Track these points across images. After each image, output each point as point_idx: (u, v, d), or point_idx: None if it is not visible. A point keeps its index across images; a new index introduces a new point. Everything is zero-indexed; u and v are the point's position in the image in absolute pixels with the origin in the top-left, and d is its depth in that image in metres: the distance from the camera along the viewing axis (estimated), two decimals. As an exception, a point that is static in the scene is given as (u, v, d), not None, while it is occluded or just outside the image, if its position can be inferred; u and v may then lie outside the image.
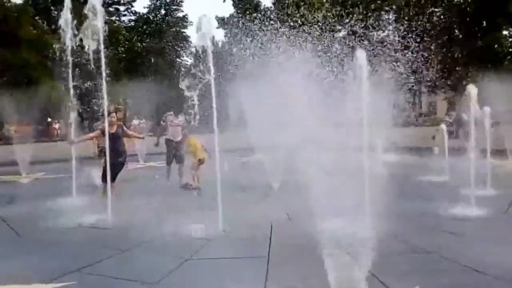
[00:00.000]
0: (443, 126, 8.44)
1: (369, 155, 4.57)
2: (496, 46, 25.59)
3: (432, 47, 31.89)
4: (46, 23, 38.11)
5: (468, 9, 31.90)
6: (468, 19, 31.78)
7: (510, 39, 29.50)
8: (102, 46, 5.65)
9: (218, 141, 5.06)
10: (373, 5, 32.91)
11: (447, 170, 7.69)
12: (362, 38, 33.05)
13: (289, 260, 3.85)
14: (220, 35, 41.36)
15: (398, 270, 3.57)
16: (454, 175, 6.94)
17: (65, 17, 6.63)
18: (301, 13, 31.90)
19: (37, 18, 36.54)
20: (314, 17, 32.06)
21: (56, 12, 38.16)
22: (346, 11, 32.30)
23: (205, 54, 4.83)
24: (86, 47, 5.66)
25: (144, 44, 43.12)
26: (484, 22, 31.22)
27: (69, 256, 4.14)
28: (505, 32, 31.12)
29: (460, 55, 30.09)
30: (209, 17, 4.91)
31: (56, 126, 29.91)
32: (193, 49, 48.65)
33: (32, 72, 24.77)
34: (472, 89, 5.53)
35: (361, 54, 4.55)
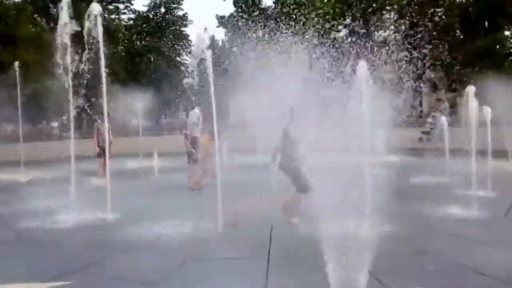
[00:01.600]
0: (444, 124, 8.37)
1: (369, 157, 4.55)
2: (497, 47, 25.62)
3: (433, 47, 31.95)
4: (45, 21, 38.04)
5: (469, 9, 31.89)
6: (469, 19, 31.78)
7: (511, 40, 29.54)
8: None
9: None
10: (374, 4, 32.89)
11: (447, 171, 7.66)
12: (363, 37, 33.06)
13: (289, 260, 3.83)
14: (220, 34, 41.35)
15: (398, 271, 3.56)
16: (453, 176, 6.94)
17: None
18: (302, 13, 31.90)
19: (35, 16, 36.45)
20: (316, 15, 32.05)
21: (55, 10, 38.13)
22: (347, 9, 32.26)
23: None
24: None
25: (143, 42, 43.09)
26: (486, 23, 31.24)
27: (68, 256, 4.12)
28: (506, 33, 31.15)
29: (461, 56, 30.10)
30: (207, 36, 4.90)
31: (55, 125, 29.81)
32: (193, 48, 48.66)
33: (30, 70, 24.71)
34: (470, 89, 5.51)
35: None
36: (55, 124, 29.74)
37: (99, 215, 5.42)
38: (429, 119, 14.51)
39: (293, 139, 4.82)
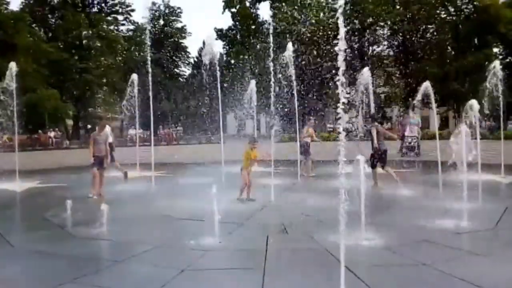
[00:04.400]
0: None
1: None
2: (486, 63, 26.31)
3: (425, 63, 32.60)
4: (43, 31, 38.22)
5: (460, 26, 32.75)
6: (460, 36, 32.62)
7: (500, 57, 30.33)
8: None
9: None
10: (369, 20, 33.60)
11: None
12: (358, 52, 33.69)
13: (284, 271, 3.88)
14: (218, 46, 41.83)
15: (392, 281, 3.61)
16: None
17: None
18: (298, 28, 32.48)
19: (34, 26, 36.63)
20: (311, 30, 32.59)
21: (53, 20, 38.36)
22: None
23: None
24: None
25: (142, 54, 43.41)
26: (476, 40, 32.07)
27: (64, 266, 4.08)
28: (495, 50, 31.94)
29: (451, 71, 30.73)
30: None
31: (52, 134, 29.53)
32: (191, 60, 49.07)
33: (28, 80, 24.75)
34: (463, 128, 5.70)
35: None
36: (52, 133, 29.54)
37: (95, 225, 5.34)
38: (406, 133, 14.56)
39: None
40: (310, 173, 9.95)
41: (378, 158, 8.08)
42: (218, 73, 10.70)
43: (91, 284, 3.56)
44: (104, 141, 7.97)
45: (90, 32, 36.43)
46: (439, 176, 7.65)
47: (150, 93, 10.36)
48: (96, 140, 8.00)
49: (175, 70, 48.72)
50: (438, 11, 33.84)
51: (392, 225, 5.41)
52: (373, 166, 8.04)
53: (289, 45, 8.09)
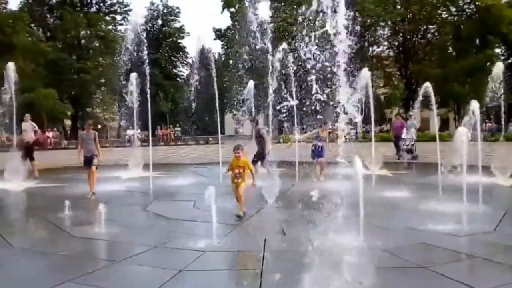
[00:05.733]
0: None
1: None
2: (488, 64, 26.28)
3: (426, 63, 32.58)
4: (41, 31, 38.14)
5: (461, 27, 32.71)
6: (461, 36, 32.60)
7: (502, 58, 30.32)
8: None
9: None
10: (369, 20, 33.54)
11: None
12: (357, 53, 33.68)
13: (282, 273, 3.83)
14: (217, 46, 41.78)
15: (390, 284, 3.56)
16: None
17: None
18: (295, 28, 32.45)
19: (32, 25, 36.55)
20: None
21: (51, 20, 38.28)
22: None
23: None
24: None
25: (140, 54, 43.30)
26: (477, 40, 32.04)
27: (60, 266, 4.07)
28: (497, 50, 31.93)
29: (452, 72, 30.72)
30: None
31: (50, 134, 29.40)
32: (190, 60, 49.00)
33: (26, 80, 24.64)
34: (462, 130, 5.64)
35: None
36: (50, 133, 29.40)
37: (90, 225, 5.36)
38: (403, 135, 14.41)
39: None
40: (321, 177, 9.50)
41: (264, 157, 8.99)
42: (214, 74, 10.63)
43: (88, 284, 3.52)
44: (92, 140, 7.90)
45: (88, 32, 36.38)
46: (439, 178, 7.57)
47: (148, 93, 10.31)
48: (83, 140, 7.95)
49: (174, 70, 48.70)
50: (439, 11, 33.78)
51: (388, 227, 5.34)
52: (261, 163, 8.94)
53: (284, 45, 8.04)
